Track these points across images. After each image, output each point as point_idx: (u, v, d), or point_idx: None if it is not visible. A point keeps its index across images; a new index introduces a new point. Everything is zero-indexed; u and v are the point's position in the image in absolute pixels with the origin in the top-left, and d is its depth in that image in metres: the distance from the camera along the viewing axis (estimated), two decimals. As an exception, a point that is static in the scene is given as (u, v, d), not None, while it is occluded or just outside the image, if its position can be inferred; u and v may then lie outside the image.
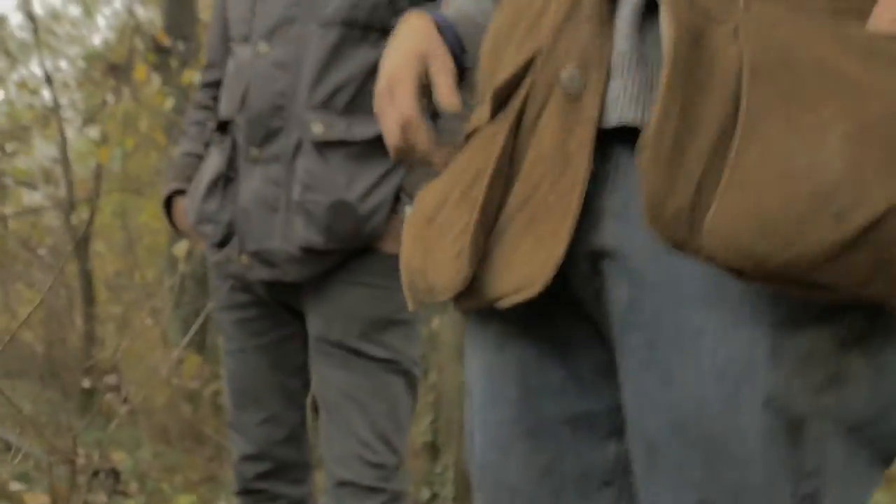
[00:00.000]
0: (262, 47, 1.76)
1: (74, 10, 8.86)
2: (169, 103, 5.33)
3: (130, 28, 7.05)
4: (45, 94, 7.55)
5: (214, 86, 1.96)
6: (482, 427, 0.90)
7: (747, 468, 0.72)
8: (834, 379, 0.71)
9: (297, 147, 1.73)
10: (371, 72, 1.71)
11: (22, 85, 7.73)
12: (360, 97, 1.72)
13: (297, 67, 1.73)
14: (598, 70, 0.78)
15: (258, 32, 1.77)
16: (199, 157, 1.95)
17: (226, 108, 1.83)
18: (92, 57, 6.65)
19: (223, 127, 1.84)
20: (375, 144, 1.70)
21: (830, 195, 0.63)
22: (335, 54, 1.73)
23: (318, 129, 1.71)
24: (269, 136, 1.74)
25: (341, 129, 1.72)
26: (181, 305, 5.93)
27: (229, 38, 1.87)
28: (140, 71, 5.28)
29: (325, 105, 1.72)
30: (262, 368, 1.88)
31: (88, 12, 8.17)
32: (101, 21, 8.91)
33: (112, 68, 5.78)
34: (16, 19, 8.74)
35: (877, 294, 0.66)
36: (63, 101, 7.90)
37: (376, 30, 1.73)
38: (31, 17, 7.03)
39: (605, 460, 0.87)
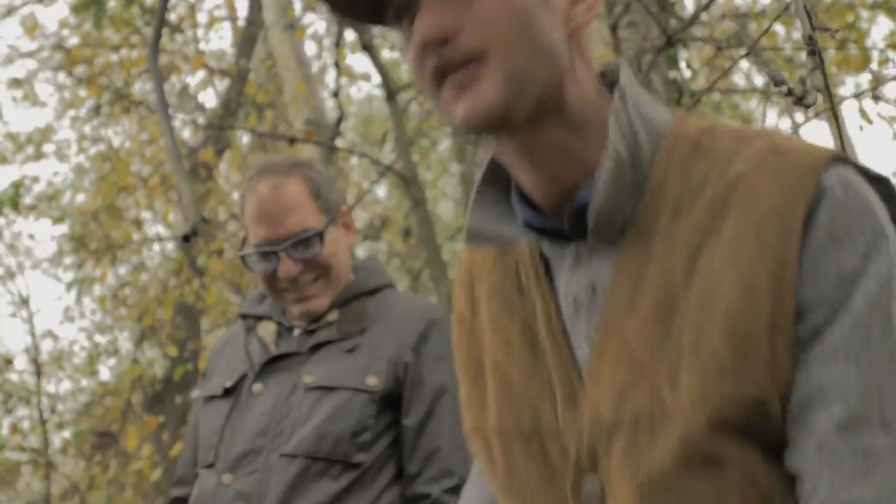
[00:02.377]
0: (226, 477, 1.78)
1: (79, 356, 9.10)
2: (156, 474, 5.35)
3: (132, 379, 7.25)
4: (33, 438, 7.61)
5: (183, 502, 1.98)
6: None
7: None
8: None
9: None
10: (333, 503, 1.74)
11: (14, 429, 7.80)
12: None
13: (259, 499, 1.74)
14: None
15: (223, 462, 1.80)
16: None
17: (189, 533, 1.83)
18: (80, 433, 6.78)
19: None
20: None
21: None
22: (297, 486, 1.74)
23: None
24: None
25: None
26: None
27: (196, 461, 1.92)
28: (131, 440, 5.35)
29: None
30: None
31: (91, 361, 8.45)
32: (103, 369, 9.17)
33: (101, 435, 5.87)
34: (20, 363, 8.99)
35: None
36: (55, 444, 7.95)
37: (339, 462, 1.77)
38: (36, 363, 7.26)
39: None
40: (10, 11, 8.62)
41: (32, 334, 8.50)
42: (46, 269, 9.58)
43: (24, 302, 8.41)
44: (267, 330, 1.96)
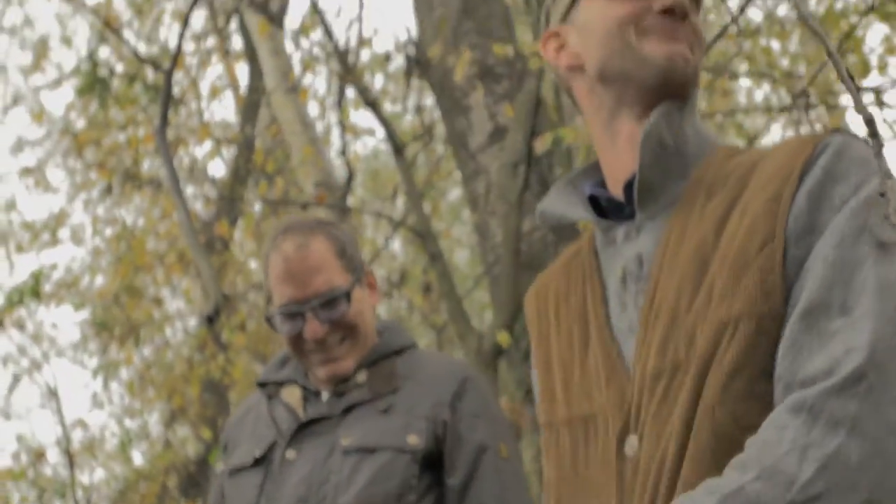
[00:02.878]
0: None
1: (110, 442, 9.09)
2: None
3: (165, 462, 7.22)
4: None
5: None
6: None
7: None
8: None
9: None
10: None
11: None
12: None
13: None
14: None
15: None
16: None
17: None
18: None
19: None
20: None
21: None
22: None
23: None
24: None
25: None
26: None
27: None
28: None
29: None
30: None
31: (124, 447, 8.43)
32: (136, 455, 9.16)
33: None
34: (52, 455, 8.98)
35: None
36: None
37: None
38: (68, 454, 7.23)
39: None
40: (16, 101, 8.75)
41: (63, 425, 8.50)
42: (71, 356, 9.60)
43: (53, 393, 8.41)
44: (292, 395, 1.91)
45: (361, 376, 1.87)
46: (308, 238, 1.83)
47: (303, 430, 1.84)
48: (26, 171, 8.36)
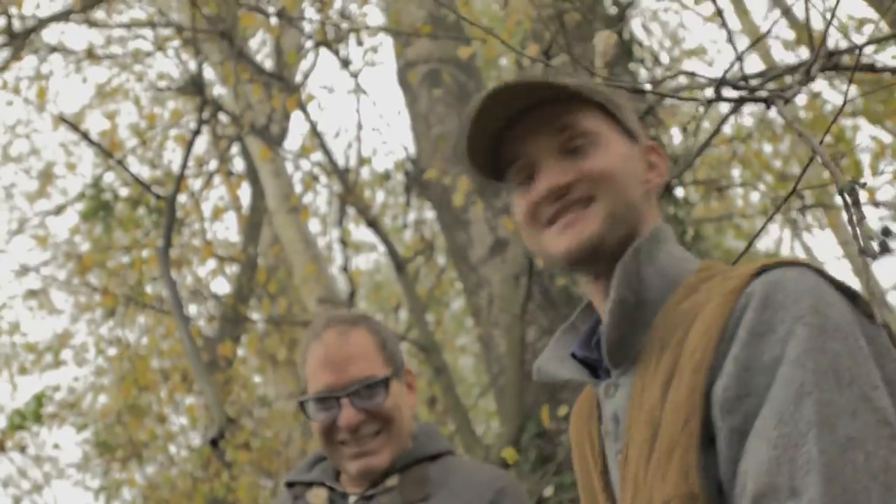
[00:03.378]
0: None
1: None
2: None
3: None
4: None
5: None
6: None
7: None
8: None
9: None
10: None
11: None
12: None
13: None
14: None
15: None
16: None
17: None
18: None
19: None
20: None
21: None
22: None
23: None
24: None
25: None
26: None
27: None
28: None
29: None
30: None
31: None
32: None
33: None
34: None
35: None
36: None
37: None
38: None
39: None
40: (21, 226, 8.86)
41: (64, 548, 8.29)
42: (73, 477, 9.47)
43: (54, 515, 8.25)
44: (317, 497, 1.83)
45: (392, 481, 1.79)
46: (350, 328, 1.80)
47: None
48: (30, 294, 8.40)
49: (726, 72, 1.62)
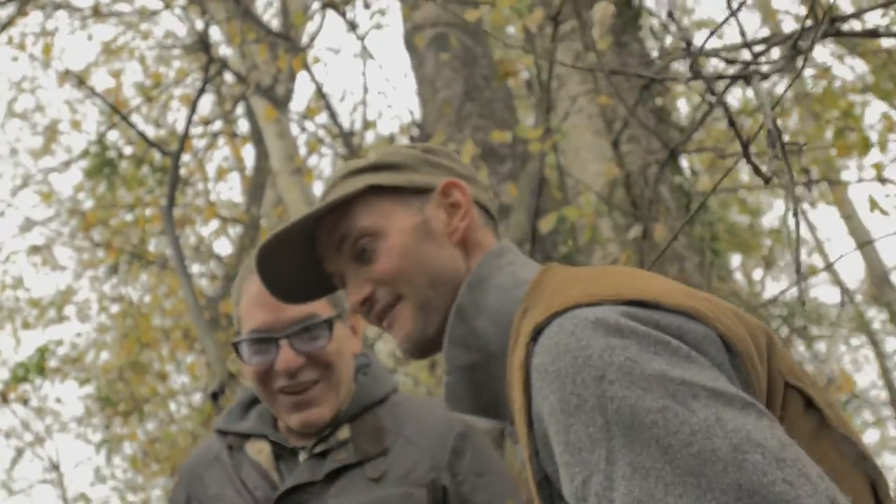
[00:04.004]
0: None
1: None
2: None
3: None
4: None
5: None
6: None
7: None
8: None
9: None
10: None
11: None
12: None
13: None
14: None
15: None
16: None
17: None
18: None
19: None
20: None
21: None
22: None
23: None
24: None
25: None
26: None
27: None
28: None
29: None
30: None
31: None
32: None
33: None
34: None
35: None
36: None
37: None
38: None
39: None
40: (25, 182, 8.86)
41: (64, 499, 8.43)
42: (75, 430, 9.56)
43: (55, 467, 8.35)
44: (260, 452, 1.65)
45: (344, 432, 1.64)
46: None
47: (283, 500, 1.58)
48: (34, 250, 8.43)
49: (702, 45, 1.56)
